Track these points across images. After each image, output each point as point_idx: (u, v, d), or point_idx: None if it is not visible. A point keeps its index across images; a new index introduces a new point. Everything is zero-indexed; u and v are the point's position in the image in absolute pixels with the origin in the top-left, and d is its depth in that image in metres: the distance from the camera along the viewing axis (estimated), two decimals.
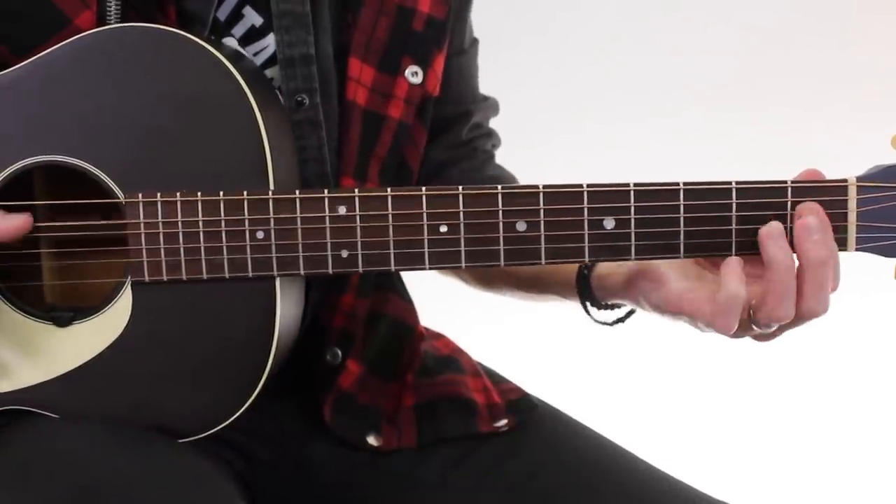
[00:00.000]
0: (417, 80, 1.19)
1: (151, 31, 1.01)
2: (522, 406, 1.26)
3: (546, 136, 2.34)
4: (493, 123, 1.38)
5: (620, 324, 1.16)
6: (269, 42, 1.14)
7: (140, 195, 1.01)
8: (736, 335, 1.03)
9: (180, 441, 1.04)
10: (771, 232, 0.98)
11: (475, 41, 1.33)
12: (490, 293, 1.33)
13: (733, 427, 2.62)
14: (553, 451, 1.22)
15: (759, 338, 1.04)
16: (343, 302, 1.19)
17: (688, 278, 1.05)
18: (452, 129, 1.30)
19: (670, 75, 2.59)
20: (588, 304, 1.16)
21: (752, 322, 1.01)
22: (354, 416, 1.20)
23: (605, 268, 1.14)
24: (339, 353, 1.19)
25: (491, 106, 1.36)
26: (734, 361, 2.41)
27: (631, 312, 1.15)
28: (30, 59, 1.02)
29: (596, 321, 1.17)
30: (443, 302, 1.39)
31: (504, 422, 1.24)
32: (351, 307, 1.19)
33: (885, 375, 2.68)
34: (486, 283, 1.33)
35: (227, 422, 1.04)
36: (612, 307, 1.16)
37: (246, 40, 1.14)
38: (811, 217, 0.98)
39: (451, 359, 1.29)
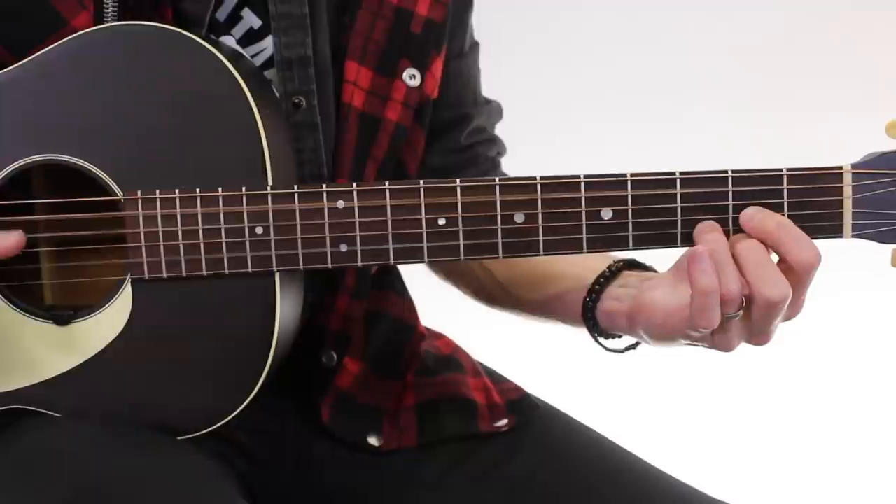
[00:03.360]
0: (415, 83, 1.19)
1: (150, 30, 1.01)
2: (523, 406, 1.26)
3: (548, 135, 2.34)
4: (497, 125, 1.36)
5: (631, 350, 1.14)
6: (268, 44, 1.14)
7: (139, 192, 1.01)
8: (725, 342, 1.01)
9: (181, 438, 1.04)
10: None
11: (476, 45, 1.32)
12: (496, 310, 1.32)
13: (733, 427, 2.61)
14: (553, 452, 1.22)
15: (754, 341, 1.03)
16: (338, 304, 1.18)
17: (676, 296, 1.03)
18: (451, 133, 1.29)
19: (672, 75, 2.60)
20: (597, 335, 1.14)
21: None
22: (355, 416, 1.20)
23: (608, 305, 1.12)
24: (335, 355, 1.19)
25: (494, 110, 1.34)
26: (734, 361, 2.40)
27: (638, 343, 1.13)
28: (26, 59, 1.02)
29: (607, 349, 1.14)
30: (443, 302, 1.39)
31: (504, 422, 1.24)
32: (347, 309, 1.19)
33: (884, 372, 2.68)
34: (492, 301, 1.31)
35: (228, 419, 1.04)
36: (621, 336, 1.13)
37: (244, 42, 1.13)
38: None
39: (451, 358, 1.28)
